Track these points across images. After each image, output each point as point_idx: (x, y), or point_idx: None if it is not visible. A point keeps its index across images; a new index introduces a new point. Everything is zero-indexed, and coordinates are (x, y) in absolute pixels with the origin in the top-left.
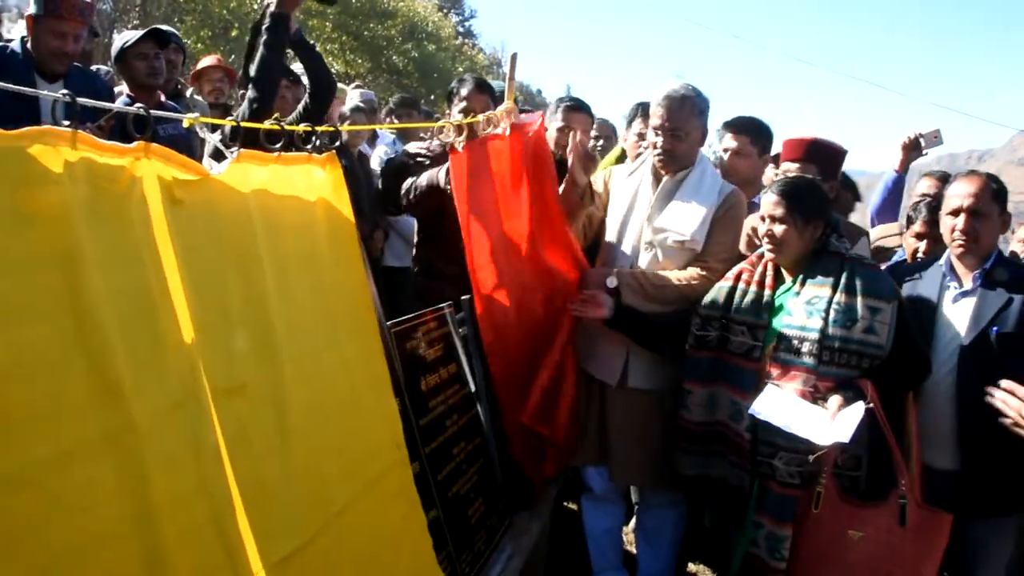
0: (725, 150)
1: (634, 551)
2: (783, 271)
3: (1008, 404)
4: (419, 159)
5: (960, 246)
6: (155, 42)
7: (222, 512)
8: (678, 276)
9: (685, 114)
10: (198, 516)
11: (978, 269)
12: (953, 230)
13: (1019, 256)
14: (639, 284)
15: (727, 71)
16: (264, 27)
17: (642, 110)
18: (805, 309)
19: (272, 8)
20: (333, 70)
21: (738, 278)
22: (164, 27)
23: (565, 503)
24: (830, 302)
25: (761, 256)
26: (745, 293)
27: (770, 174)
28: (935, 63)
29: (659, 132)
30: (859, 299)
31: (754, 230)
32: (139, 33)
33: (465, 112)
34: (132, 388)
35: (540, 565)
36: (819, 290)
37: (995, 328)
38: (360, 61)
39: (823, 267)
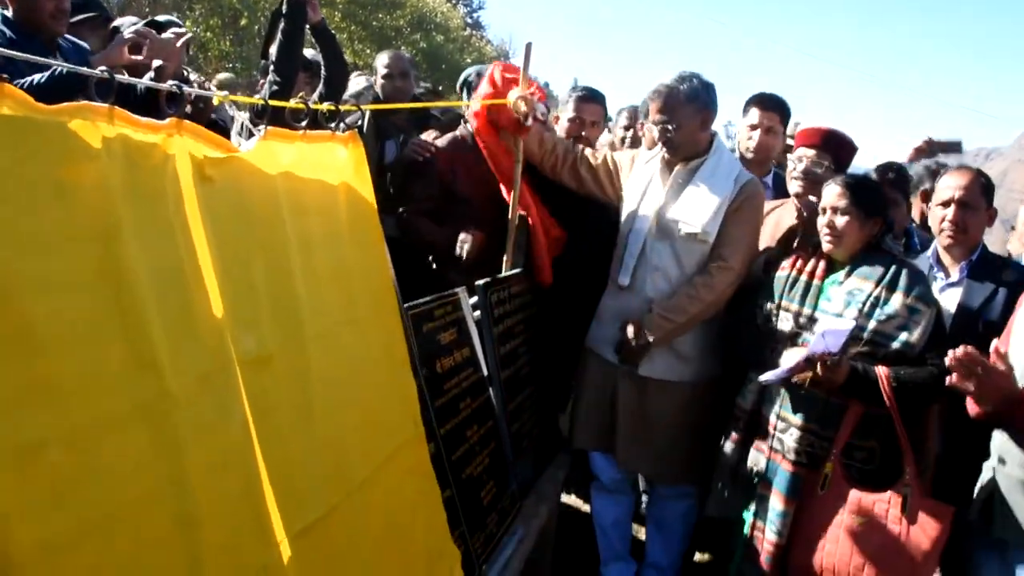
0: (753, 126)
1: (642, 538)
2: (835, 262)
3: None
4: (419, 156)
5: (949, 237)
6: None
7: (252, 481)
8: (695, 293)
9: (672, 105)
10: (230, 484)
11: (964, 260)
12: (943, 220)
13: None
14: (664, 330)
15: (736, 63)
16: (283, 14)
17: None
18: (845, 299)
19: None
20: None
21: (792, 265)
22: (162, 17)
23: (571, 494)
24: (870, 295)
25: (816, 248)
26: (796, 281)
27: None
28: (943, 59)
29: (654, 124)
30: (899, 296)
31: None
32: (135, 23)
33: None
34: (166, 359)
35: (549, 548)
36: (863, 283)
37: (983, 316)
38: (368, 51)
39: (873, 262)
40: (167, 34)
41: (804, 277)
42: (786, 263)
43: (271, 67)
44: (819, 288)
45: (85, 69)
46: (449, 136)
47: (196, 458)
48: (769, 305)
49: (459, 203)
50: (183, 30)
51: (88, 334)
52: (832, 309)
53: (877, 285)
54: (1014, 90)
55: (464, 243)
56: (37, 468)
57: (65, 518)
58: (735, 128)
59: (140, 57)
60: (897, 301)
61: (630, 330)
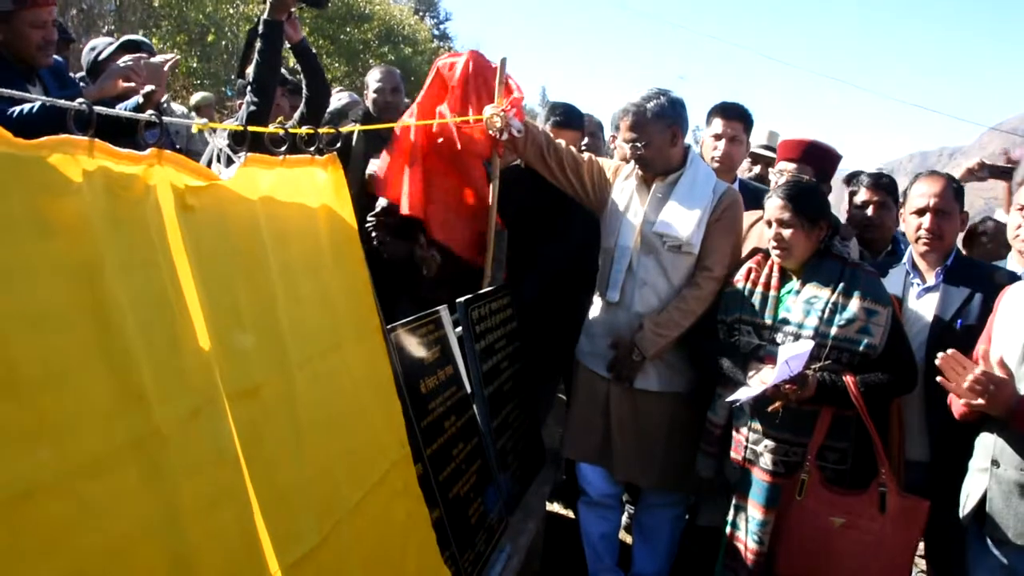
0: (718, 136)
1: (630, 542)
2: (788, 272)
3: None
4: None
5: (925, 244)
6: (127, 53)
7: (244, 514)
8: (685, 306)
9: (640, 123)
10: (222, 519)
11: (940, 266)
12: (919, 228)
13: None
14: (658, 346)
15: (703, 70)
16: (259, 35)
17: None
18: (803, 308)
19: (265, 15)
20: None
21: (747, 278)
22: (136, 36)
23: (554, 503)
24: (827, 302)
25: (767, 256)
26: (752, 293)
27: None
28: (906, 61)
29: (626, 143)
30: (856, 301)
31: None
32: (111, 44)
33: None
34: (154, 394)
35: (536, 562)
36: (819, 291)
37: (959, 321)
38: (337, 65)
39: (825, 270)
40: (157, 59)
41: (760, 288)
42: (740, 275)
43: (248, 88)
44: (776, 299)
45: (63, 102)
46: None
47: (188, 494)
48: (728, 318)
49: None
50: (169, 57)
51: (74, 371)
52: (793, 319)
53: (833, 292)
54: (977, 93)
55: (425, 263)
56: (28, 515)
57: (58, 564)
58: (702, 134)
59: (132, 84)
60: (854, 306)
61: (623, 349)
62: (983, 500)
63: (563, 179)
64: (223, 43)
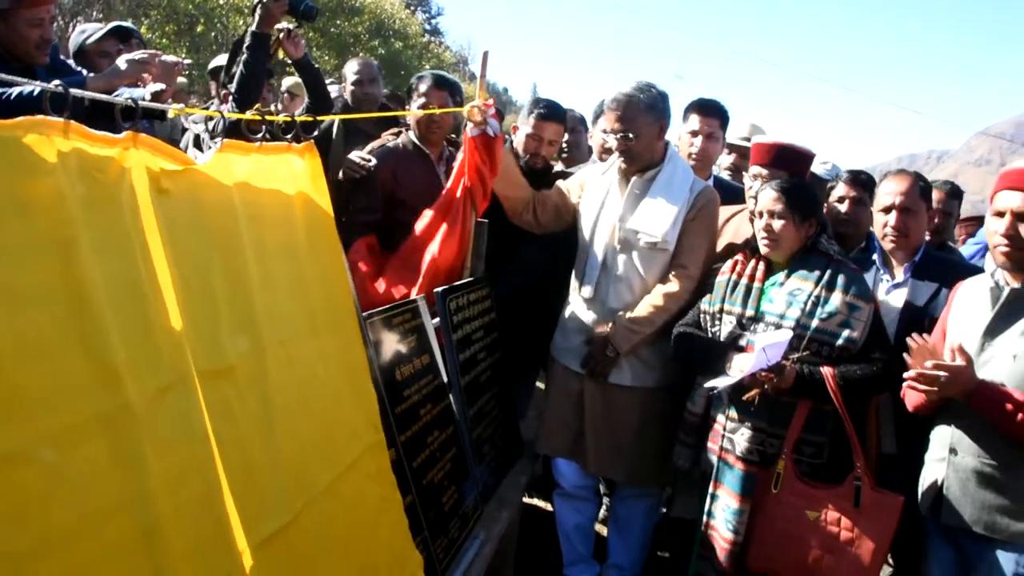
0: (694, 132)
1: (605, 534)
2: (774, 264)
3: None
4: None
5: (892, 241)
6: (116, 39)
7: (213, 492)
8: (660, 303)
9: (631, 114)
10: (192, 495)
11: (908, 262)
12: (885, 226)
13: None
14: (632, 342)
15: (689, 69)
16: (245, 46)
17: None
18: (786, 299)
19: (253, 27)
20: None
21: (732, 269)
22: (125, 23)
23: (533, 496)
24: (810, 295)
25: (755, 251)
26: (736, 284)
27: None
28: (896, 64)
29: (612, 134)
30: (839, 295)
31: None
32: (101, 29)
33: (424, 108)
34: (126, 371)
35: (511, 552)
36: (802, 283)
37: (928, 314)
38: (327, 58)
39: (810, 263)
40: (170, 58)
41: (745, 280)
42: (726, 267)
43: (232, 98)
44: (760, 290)
45: (42, 83)
46: (391, 144)
47: (158, 470)
48: (712, 308)
49: (403, 209)
50: (176, 59)
51: (47, 348)
52: (774, 310)
53: (816, 285)
54: (965, 97)
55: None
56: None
57: (28, 532)
58: (679, 130)
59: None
60: (837, 299)
61: (597, 344)
62: (940, 490)
63: (537, 228)
64: (212, 34)
